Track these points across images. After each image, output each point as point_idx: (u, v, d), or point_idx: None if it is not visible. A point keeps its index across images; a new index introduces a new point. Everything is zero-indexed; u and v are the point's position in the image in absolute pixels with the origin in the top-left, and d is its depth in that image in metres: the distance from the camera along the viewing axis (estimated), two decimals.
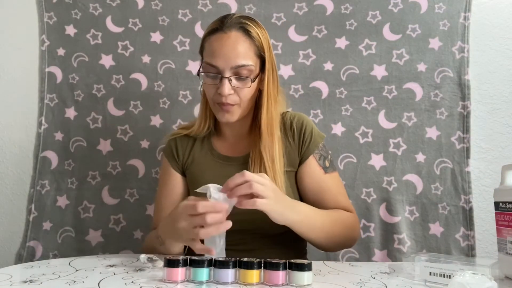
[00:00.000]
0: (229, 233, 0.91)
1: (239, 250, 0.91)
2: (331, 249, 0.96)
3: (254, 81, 0.91)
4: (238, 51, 0.88)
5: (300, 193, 0.99)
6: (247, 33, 0.90)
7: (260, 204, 0.73)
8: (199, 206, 0.70)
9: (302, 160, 0.97)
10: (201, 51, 0.95)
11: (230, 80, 0.89)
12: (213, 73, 0.89)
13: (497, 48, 1.34)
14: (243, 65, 0.88)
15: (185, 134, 1.05)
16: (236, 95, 0.91)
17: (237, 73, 0.89)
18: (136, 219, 1.34)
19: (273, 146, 0.92)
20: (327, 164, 0.98)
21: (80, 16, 1.41)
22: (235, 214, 0.91)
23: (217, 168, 0.99)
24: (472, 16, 1.33)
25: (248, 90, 0.91)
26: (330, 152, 1.03)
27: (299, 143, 0.98)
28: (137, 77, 1.40)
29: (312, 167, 0.97)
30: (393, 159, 1.31)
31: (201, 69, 0.92)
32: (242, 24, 0.90)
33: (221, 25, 0.90)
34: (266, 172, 0.90)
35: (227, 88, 0.88)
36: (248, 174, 0.73)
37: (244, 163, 0.96)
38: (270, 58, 0.94)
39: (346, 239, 0.96)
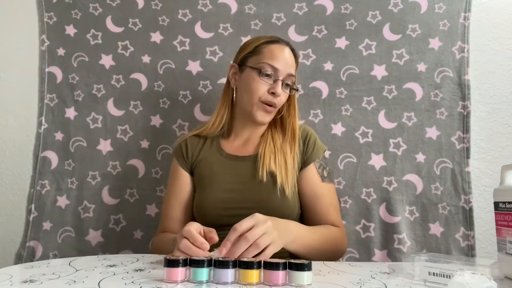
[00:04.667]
0: (229, 228, 0.94)
1: None
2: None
3: (294, 90, 1.08)
4: (292, 62, 1.05)
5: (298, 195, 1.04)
6: (294, 53, 1.08)
7: (269, 252, 0.73)
8: (181, 245, 0.73)
9: (303, 166, 1.05)
10: (251, 55, 1.05)
11: (282, 83, 1.03)
12: (271, 73, 1.01)
13: (497, 48, 1.34)
14: (293, 75, 1.05)
15: (195, 134, 1.13)
16: (279, 98, 1.03)
17: (287, 79, 1.04)
18: (136, 219, 1.34)
19: (296, 151, 1.04)
20: (325, 173, 1.05)
21: (80, 16, 1.41)
22: (236, 209, 0.95)
23: (226, 166, 1.04)
24: (472, 16, 1.33)
25: (286, 97, 1.06)
26: (329, 165, 1.11)
27: (302, 150, 1.06)
28: (137, 77, 1.40)
29: (311, 173, 1.04)
30: (393, 159, 1.31)
31: (259, 68, 1.01)
32: (291, 46, 1.08)
33: (277, 39, 1.07)
34: (287, 173, 0.99)
35: (280, 88, 1.02)
36: (239, 228, 0.71)
37: (253, 161, 1.03)
38: (296, 78, 1.10)
39: (334, 255, 0.99)
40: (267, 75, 1.01)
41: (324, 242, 0.94)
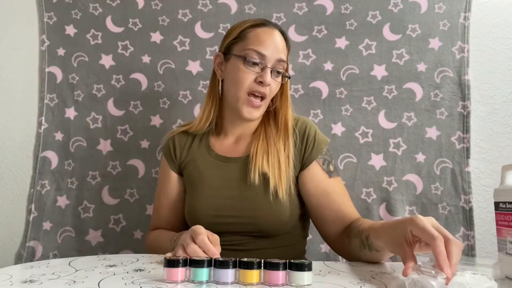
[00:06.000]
0: (229, 234, 0.92)
1: (239, 250, 0.91)
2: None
3: (286, 78, 0.98)
4: (282, 46, 0.95)
5: (303, 197, 0.97)
6: (285, 36, 0.98)
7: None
8: (189, 248, 0.72)
9: (304, 166, 0.95)
10: (236, 41, 0.95)
11: (272, 71, 0.93)
12: (258, 60, 0.92)
13: (497, 48, 1.34)
14: (284, 60, 0.95)
15: (183, 130, 1.05)
16: (269, 88, 0.94)
17: (277, 66, 0.94)
18: (136, 219, 1.34)
19: (291, 147, 0.96)
20: (331, 168, 0.96)
21: (80, 16, 1.41)
22: (227, 217, 0.92)
23: (215, 168, 0.98)
24: (472, 16, 1.33)
25: (278, 86, 0.97)
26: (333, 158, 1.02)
27: (301, 148, 0.96)
28: (137, 77, 1.40)
29: (315, 172, 0.95)
30: (393, 159, 1.31)
31: (244, 56, 0.92)
32: (281, 28, 0.98)
33: (265, 22, 0.96)
34: (281, 173, 0.91)
35: (269, 76, 0.92)
36: (437, 236, 0.59)
37: (243, 164, 0.95)
38: (288, 64, 1.00)
39: None
40: (254, 63, 0.91)
41: None
